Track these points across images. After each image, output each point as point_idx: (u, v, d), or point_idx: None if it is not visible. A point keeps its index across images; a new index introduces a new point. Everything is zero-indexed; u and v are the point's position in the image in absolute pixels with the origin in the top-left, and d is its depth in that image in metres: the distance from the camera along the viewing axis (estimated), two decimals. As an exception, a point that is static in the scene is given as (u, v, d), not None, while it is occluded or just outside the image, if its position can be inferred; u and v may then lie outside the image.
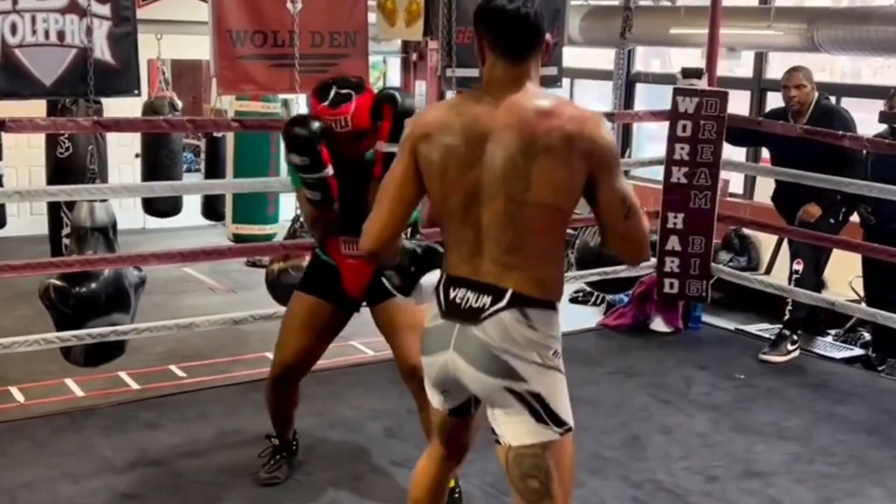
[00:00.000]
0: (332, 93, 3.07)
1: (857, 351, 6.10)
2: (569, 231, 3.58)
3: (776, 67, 8.79)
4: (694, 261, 5.39)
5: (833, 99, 7.18)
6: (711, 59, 6.04)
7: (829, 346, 6.15)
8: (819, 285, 5.62)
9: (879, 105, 5.94)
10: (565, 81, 10.78)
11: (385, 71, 12.39)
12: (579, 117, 2.21)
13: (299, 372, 3.40)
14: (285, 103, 8.68)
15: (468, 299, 2.26)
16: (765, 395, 4.73)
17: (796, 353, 5.29)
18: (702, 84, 5.53)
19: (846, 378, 5.13)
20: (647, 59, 10.87)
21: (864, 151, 5.33)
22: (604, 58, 10.41)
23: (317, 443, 3.95)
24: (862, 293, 6.82)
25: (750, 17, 7.96)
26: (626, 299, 6.02)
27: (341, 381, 4.72)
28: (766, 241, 8.36)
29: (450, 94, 5.46)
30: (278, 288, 5.05)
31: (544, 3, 2.31)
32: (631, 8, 5.90)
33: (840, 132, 5.02)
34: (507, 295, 2.22)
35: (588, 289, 7.08)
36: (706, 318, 5.92)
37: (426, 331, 2.40)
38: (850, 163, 5.22)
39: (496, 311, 2.22)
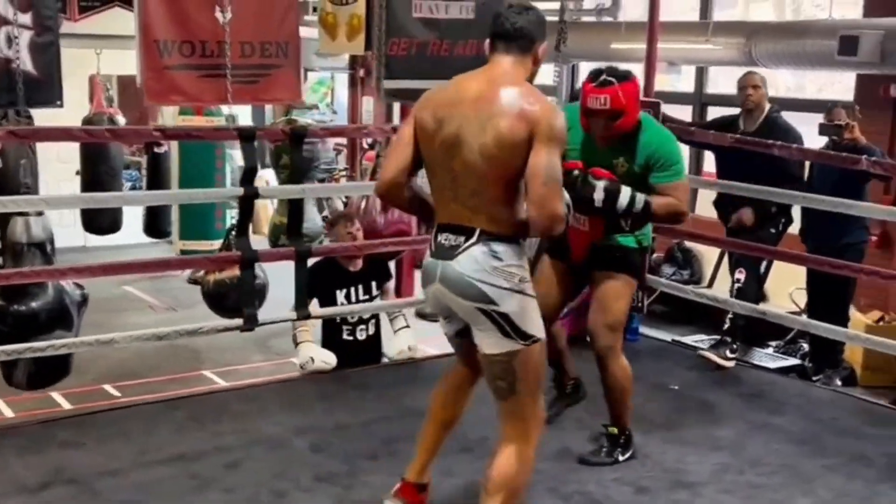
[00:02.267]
0: (602, 77, 3.63)
1: (793, 361, 6.12)
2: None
3: (717, 82, 8.88)
4: (630, 272, 5.34)
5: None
6: (649, 72, 6.07)
7: (764, 356, 6.17)
8: (760, 296, 5.63)
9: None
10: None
11: (332, 87, 12.32)
12: (538, 99, 2.79)
13: (549, 321, 3.68)
14: (232, 118, 8.58)
15: (449, 240, 2.83)
16: (698, 405, 4.70)
17: (733, 364, 5.29)
18: (637, 95, 5.52)
19: (781, 388, 5.12)
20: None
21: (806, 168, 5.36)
22: (550, 73, 10.43)
23: (239, 460, 3.85)
24: (802, 305, 6.87)
25: (689, 31, 8.02)
26: (566, 311, 5.98)
27: (267, 397, 4.63)
28: (708, 255, 8.40)
29: (370, 102, 5.43)
30: (216, 299, 4.96)
31: (533, 20, 2.93)
32: (565, 21, 5.92)
33: (771, 142, 5.01)
34: (476, 233, 2.79)
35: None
36: (645, 330, 5.90)
37: (422, 268, 2.97)
38: (790, 180, 5.23)
39: (468, 247, 2.79)
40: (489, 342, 2.83)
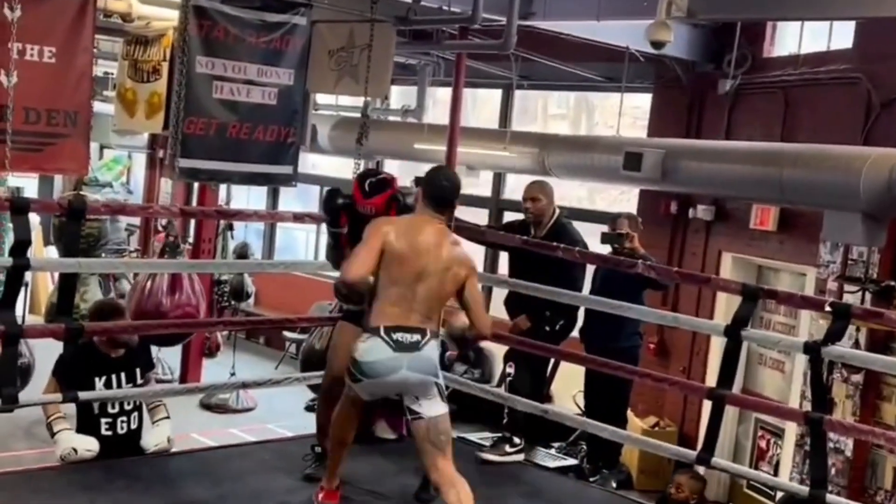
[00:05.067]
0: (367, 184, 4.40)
1: (572, 461, 6.26)
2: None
3: (514, 188, 9.23)
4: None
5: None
6: (449, 173, 6.17)
7: (546, 455, 6.28)
8: (543, 397, 5.73)
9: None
10: (314, 188, 10.82)
11: (130, 166, 11.95)
12: (463, 250, 4.07)
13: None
14: (18, 191, 8.10)
15: (406, 338, 3.88)
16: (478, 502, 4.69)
17: (519, 457, 5.33)
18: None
19: (558, 488, 5.21)
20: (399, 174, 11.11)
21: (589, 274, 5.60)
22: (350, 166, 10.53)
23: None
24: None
25: (488, 138, 8.33)
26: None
27: (24, 487, 4.26)
28: (499, 355, 8.58)
29: (168, 184, 5.26)
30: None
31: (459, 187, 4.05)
32: (368, 116, 6.01)
33: (556, 244, 5.19)
34: (429, 332, 3.94)
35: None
36: (432, 426, 5.87)
37: (376, 362, 3.86)
38: (570, 283, 5.42)
39: (427, 342, 3.91)
40: (435, 406, 3.92)
